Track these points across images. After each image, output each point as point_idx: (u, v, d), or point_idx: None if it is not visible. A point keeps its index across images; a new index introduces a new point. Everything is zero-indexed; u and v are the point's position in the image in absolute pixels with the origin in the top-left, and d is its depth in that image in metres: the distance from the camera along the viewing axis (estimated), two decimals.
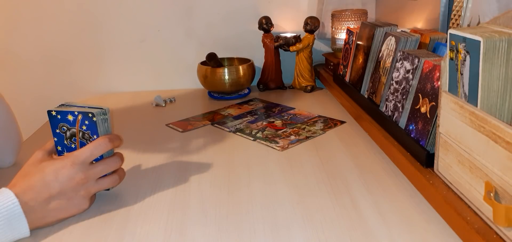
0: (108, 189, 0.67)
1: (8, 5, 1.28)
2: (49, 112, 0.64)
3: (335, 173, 0.72)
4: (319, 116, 1.01)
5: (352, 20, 1.19)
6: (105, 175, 0.64)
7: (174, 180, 0.72)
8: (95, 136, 0.63)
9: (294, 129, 0.94)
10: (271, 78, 1.27)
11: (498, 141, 0.46)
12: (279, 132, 0.92)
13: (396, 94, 0.77)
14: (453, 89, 0.56)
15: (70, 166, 0.60)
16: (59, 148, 0.65)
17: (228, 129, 0.96)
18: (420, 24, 1.00)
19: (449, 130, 0.57)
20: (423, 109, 0.67)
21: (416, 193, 0.64)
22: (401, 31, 0.89)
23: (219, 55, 1.21)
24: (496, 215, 0.47)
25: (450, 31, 0.54)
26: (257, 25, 1.25)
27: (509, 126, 0.45)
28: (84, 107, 0.64)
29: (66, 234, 0.59)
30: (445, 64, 0.57)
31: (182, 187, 0.70)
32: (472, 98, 0.52)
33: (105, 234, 0.58)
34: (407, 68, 0.74)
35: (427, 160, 0.63)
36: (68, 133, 0.64)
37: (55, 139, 0.65)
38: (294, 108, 1.08)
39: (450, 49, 0.55)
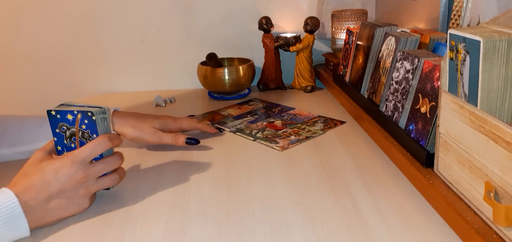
0: (108, 189, 0.67)
1: (8, 5, 1.28)
2: (48, 112, 0.64)
3: (335, 173, 0.72)
4: (319, 116, 1.01)
5: (352, 20, 1.19)
6: (105, 174, 0.64)
7: (174, 180, 0.73)
8: (94, 135, 0.63)
9: (294, 129, 0.94)
10: (271, 78, 1.27)
11: (498, 141, 0.46)
12: (279, 132, 0.92)
13: (396, 94, 0.77)
14: (453, 89, 0.56)
15: (70, 165, 0.60)
16: (59, 147, 0.65)
17: (228, 129, 0.96)
18: (420, 24, 1.00)
19: (449, 130, 0.57)
20: (423, 109, 0.67)
21: (416, 193, 0.64)
22: (401, 31, 0.89)
23: (219, 55, 1.21)
24: (496, 215, 0.47)
25: (450, 31, 0.54)
26: (257, 25, 1.25)
27: (509, 126, 0.45)
28: (84, 106, 0.64)
29: (66, 234, 0.59)
30: (445, 64, 0.57)
31: (182, 187, 0.70)
32: (472, 98, 0.52)
33: (105, 234, 0.58)
34: (407, 68, 0.74)
35: (427, 160, 0.63)
36: (67, 133, 0.64)
37: (55, 138, 0.65)
38: (294, 108, 1.08)
39: (450, 49, 0.55)
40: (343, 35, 1.19)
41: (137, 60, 1.34)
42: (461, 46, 0.52)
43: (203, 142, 0.89)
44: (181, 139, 0.83)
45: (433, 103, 0.64)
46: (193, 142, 0.83)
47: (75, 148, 0.64)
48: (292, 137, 0.89)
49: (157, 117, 0.86)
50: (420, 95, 0.69)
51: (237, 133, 0.93)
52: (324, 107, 1.09)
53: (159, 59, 1.34)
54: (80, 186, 0.61)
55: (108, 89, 1.36)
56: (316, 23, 1.20)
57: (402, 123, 0.73)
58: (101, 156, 0.64)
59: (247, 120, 1.01)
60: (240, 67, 1.19)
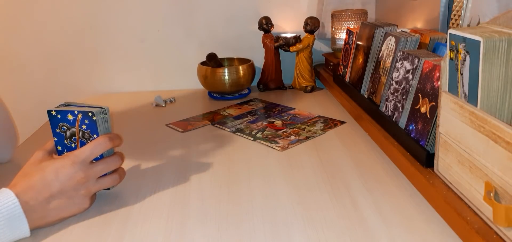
0: (108, 189, 0.67)
1: (8, 7, 1.28)
2: (49, 111, 0.64)
3: (335, 173, 0.72)
4: (319, 116, 1.01)
5: (352, 20, 1.19)
6: (106, 174, 0.64)
7: (174, 180, 0.73)
8: (95, 135, 0.63)
9: (294, 129, 0.94)
10: (271, 78, 1.27)
11: (498, 141, 0.46)
12: (279, 132, 0.92)
13: (396, 94, 0.77)
14: (453, 89, 0.56)
15: (70, 165, 0.60)
16: (59, 147, 0.65)
17: (228, 129, 0.96)
18: (420, 24, 1.00)
19: (449, 130, 0.57)
20: (423, 109, 0.67)
21: (416, 193, 0.64)
22: (401, 31, 0.89)
23: (219, 55, 1.21)
24: (496, 215, 0.47)
25: (450, 31, 0.54)
26: (257, 26, 1.25)
27: (509, 126, 0.45)
28: (84, 106, 0.64)
29: (66, 234, 0.59)
30: (445, 64, 0.57)
31: (182, 187, 0.70)
32: (472, 98, 0.52)
33: (105, 234, 0.58)
34: (407, 68, 0.74)
35: (427, 160, 0.63)
36: (68, 133, 0.64)
37: (55, 138, 0.65)
38: (294, 108, 1.08)
39: (450, 49, 0.55)
40: (343, 35, 1.19)
41: (137, 60, 1.34)
42: (461, 46, 0.52)
43: (203, 142, 0.89)
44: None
45: (433, 103, 0.64)
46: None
47: (75, 148, 0.64)
48: (292, 137, 0.89)
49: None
50: (420, 95, 0.69)
51: (237, 133, 0.93)
52: (324, 107, 1.09)
53: (159, 59, 1.34)
54: (80, 186, 0.61)
55: (108, 89, 1.36)
56: (316, 23, 1.20)
57: (402, 123, 0.73)
58: (102, 156, 0.64)
59: (247, 120, 1.01)
60: (240, 67, 1.19)
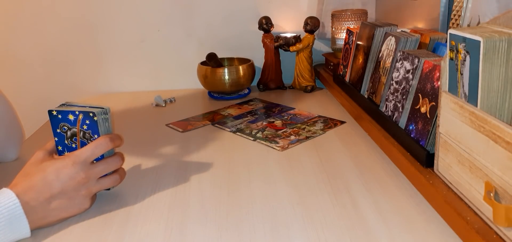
0: (108, 189, 0.67)
1: (8, 6, 1.28)
2: (50, 111, 0.64)
3: (335, 173, 0.72)
4: (319, 116, 1.01)
5: (352, 20, 1.19)
6: (106, 175, 0.64)
7: (174, 180, 0.73)
8: (96, 136, 0.63)
9: (294, 129, 0.94)
10: (271, 78, 1.27)
11: (498, 141, 0.46)
12: (279, 132, 0.92)
13: (396, 94, 0.77)
14: (453, 89, 0.56)
15: (71, 166, 0.60)
16: (60, 148, 0.66)
17: (228, 129, 0.96)
18: (420, 24, 1.00)
19: (449, 130, 0.57)
20: (423, 109, 0.67)
21: (416, 193, 0.64)
22: (401, 31, 0.89)
23: (219, 55, 1.21)
24: (496, 215, 0.47)
25: (450, 31, 0.54)
26: (257, 25, 1.25)
27: (509, 126, 0.45)
28: (85, 106, 0.64)
29: (66, 234, 0.59)
30: (445, 64, 0.57)
31: (182, 187, 0.70)
32: (472, 98, 0.52)
33: (105, 234, 0.58)
34: (407, 68, 0.74)
35: (427, 160, 0.63)
36: (69, 133, 0.64)
37: (56, 139, 0.65)
38: (294, 108, 1.08)
39: (450, 49, 0.55)
40: (343, 35, 1.19)
41: (137, 60, 1.34)
42: (461, 46, 0.52)
43: (203, 142, 0.89)
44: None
45: (433, 103, 0.64)
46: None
47: (76, 148, 0.64)
48: (292, 137, 0.89)
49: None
50: (420, 95, 0.69)
51: (237, 133, 0.93)
52: (324, 107, 1.09)
53: (159, 59, 1.34)
54: (81, 187, 0.61)
55: (108, 89, 1.36)
56: (316, 23, 1.20)
57: (402, 123, 0.73)
58: (102, 157, 0.64)
59: (247, 120, 1.01)
60: (240, 67, 1.19)
